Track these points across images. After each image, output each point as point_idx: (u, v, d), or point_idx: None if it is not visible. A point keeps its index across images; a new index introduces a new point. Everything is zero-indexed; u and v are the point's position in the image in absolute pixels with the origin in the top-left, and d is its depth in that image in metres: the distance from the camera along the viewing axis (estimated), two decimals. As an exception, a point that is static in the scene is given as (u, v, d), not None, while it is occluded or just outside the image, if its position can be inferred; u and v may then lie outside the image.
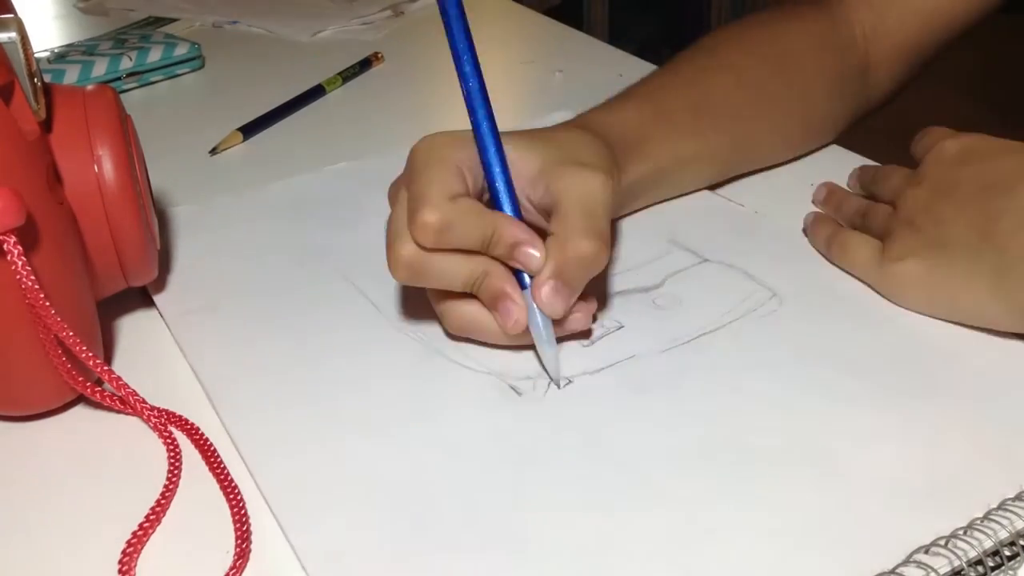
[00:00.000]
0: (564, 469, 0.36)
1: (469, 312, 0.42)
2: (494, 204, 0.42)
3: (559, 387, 0.41)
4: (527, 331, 0.41)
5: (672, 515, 0.34)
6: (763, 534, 0.33)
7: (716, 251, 0.49)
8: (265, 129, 0.67)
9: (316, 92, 0.72)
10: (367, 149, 0.64)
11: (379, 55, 0.78)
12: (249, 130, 0.66)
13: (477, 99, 0.41)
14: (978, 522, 0.32)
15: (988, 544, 0.32)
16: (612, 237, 0.43)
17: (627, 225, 0.52)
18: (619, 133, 0.48)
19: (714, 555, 0.32)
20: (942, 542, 0.32)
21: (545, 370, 0.41)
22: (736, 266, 0.48)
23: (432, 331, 0.44)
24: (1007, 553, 0.32)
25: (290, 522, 0.34)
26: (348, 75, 0.75)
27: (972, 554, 0.31)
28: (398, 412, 0.39)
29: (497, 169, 0.41)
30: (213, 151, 0.63)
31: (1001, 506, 0.33)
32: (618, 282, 0.47)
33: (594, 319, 0.44)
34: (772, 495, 0.35)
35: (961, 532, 0.32)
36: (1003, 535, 0.32)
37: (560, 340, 0.42)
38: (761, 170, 0.58)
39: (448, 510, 0.35)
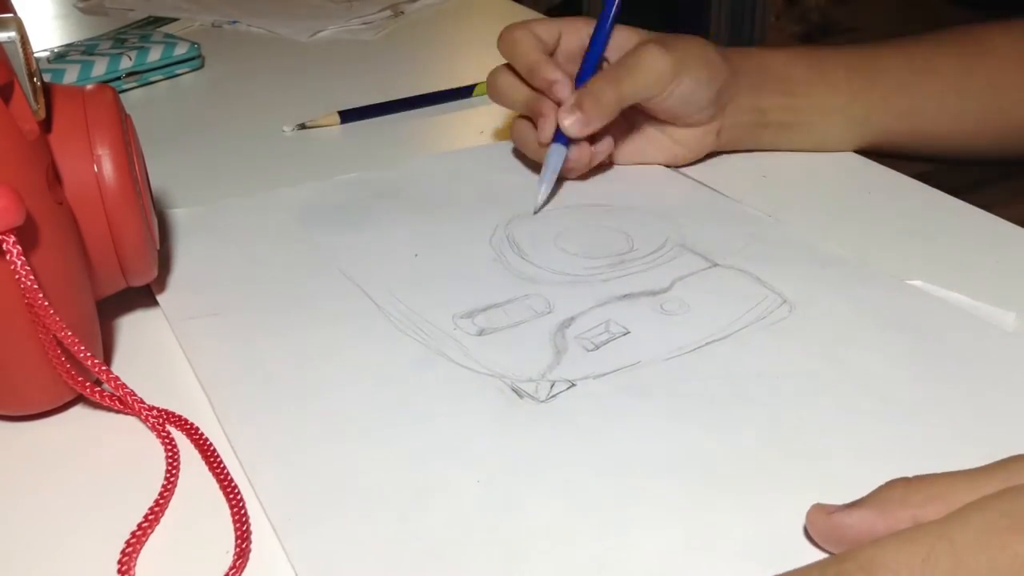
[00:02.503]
0: (564, 474, 0.36)
1: (522, 126, 0.56)
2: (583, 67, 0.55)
3: (534, 212, 0.53)
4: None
5: (672, 525, 0.34)
6: (765, 547, 0.33)
7: (726, 255, 0.49)
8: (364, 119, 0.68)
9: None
10: (365, 150, 0.64)
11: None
12: (348, 116, 0.67)
13: None
14: None
15: None
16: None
17: (637, 226, 0.52)
18: (757, 63, 0.56)
19: (713, 567, 0.32)
20: None
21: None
22: (747, 271, 0.48)
23: (435, 333, 0.44)
24: None
25: (285, 528, 0.34)
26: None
27: None
28: (399, 415, 0.39)
29: (599, 40, 0.55)
30: (302, 126, 0.66)
31: None
32: (626, 284, 0.47)
33: (609, 160, 0.58)
34: (774, 509, 0.34)
35: None
36: None
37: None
38: (774, 174, 0.58)
39: (445, 514, 0.34)
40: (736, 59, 0.55)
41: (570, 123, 0.52)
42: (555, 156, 0.54)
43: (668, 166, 0.58)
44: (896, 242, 0.51)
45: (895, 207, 0.54)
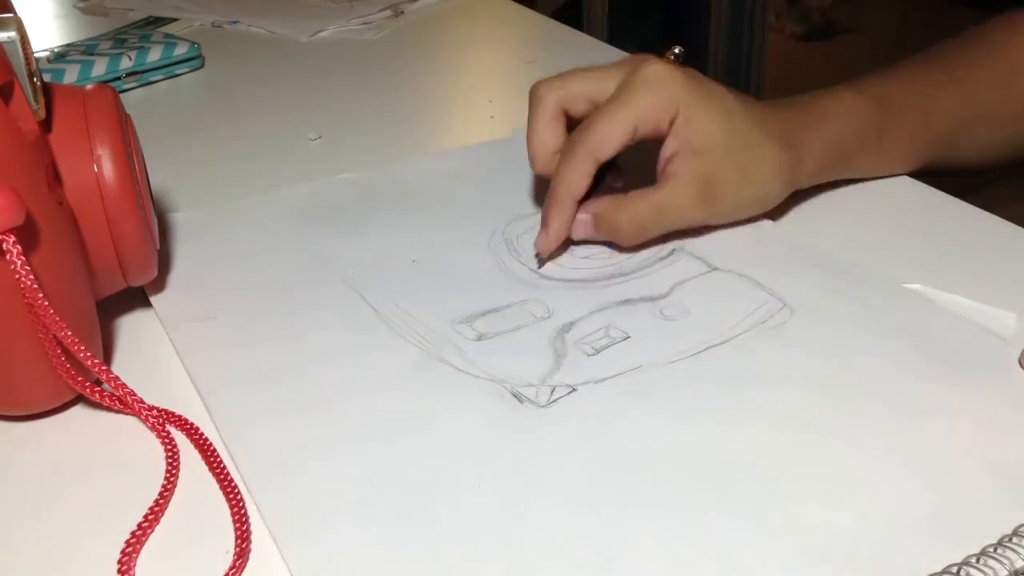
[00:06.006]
0: (564, 480, 0.36)
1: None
2: None
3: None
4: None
5: (672, 532, 0.33)
6: (766, 555, 0.32)
7: (726, 259, 0.49)
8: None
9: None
10: (366, 150, 0.64)
11: None
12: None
13: None
14: (991, 550, 0.31)
15: (1003, 574, 0.31)
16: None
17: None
18: (818, 137, 0.51)
19: (715, 573, 0.32)
20: (953, 569, 0.31)
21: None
22: (746, 275, 0.47)
23: (434, 338, 0.44)
24: None
25: (285, 535, 0.34)
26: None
27: None
28: (398, 420, 0.39)
29: None
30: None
31: (1016, 533, 0.32)
32: (625, 290, 0.47)
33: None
34: (776, 515, 0.34)
35: (973, 560, 0.31)
36: (1019, 564, 0.31)
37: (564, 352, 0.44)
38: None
39: (445, 520, 0.34)
40: (823, 121, 0.51)
41: (540, 244, 0.49)
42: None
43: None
44: (896, 242, 0.51)
45: (894, 206, 0.54)
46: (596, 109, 0.48)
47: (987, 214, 0.53)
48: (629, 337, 0.43)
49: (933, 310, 0.45)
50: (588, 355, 0.42)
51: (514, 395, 0.40)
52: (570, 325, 0.44)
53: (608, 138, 0.47)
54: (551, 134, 0.50)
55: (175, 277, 0.49)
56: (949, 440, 0.37)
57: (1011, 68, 0.57)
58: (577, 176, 0.47)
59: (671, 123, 0.48)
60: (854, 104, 0.52)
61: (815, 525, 0.33)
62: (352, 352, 0.43)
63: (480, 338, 0.44)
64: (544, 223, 0.48)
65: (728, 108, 0.48)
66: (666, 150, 0.48)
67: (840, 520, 0.34)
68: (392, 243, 0.51)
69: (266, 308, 0.46)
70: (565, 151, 0.48)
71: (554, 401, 0.40)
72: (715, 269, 0.48)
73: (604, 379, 0.41)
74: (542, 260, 0.49)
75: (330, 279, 0.48)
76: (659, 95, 0.47)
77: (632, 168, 0.52)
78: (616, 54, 0.78)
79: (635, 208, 0.48)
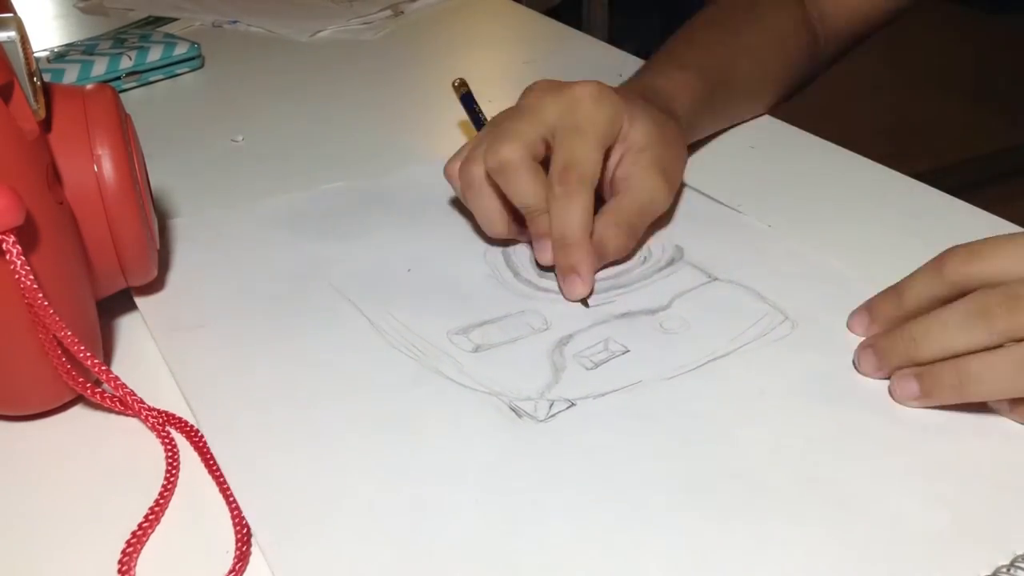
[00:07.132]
0: (562, 496, 0.35)
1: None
2: None
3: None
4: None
5: (672, 550, 0.33)
6: (765, 569, 0.32)
7: (726, 269, 0.48)
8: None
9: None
10: (365, 150, 0.64)
11: None
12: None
13: None
14: (1003, 570, 0.31)
15: None
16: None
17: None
18: (686, 106, 0.57)
19: None
20: None
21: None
22: (747, 286, 0.47)
23: (429, 349, 0.43)
24: None
25: (273, 549, 0.33)
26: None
27: None
28: (392, 432, 0.38)
29: None
30: None
31: None
32: (625, 303, 0.46)
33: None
34: (779, 534, 0.33)
35: None
36: None
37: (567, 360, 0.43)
38: (770, 176, 0.58)
39: (439, 536, 0.34)
40: (671, 109, 0.55)
41: (580, 293, 0.46)
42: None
43: None
44: (897, 245, 0.50)
45: (894, 207, 0.54)
46: (560, 143, 0.47)
47: (994, 217, 0.52)
48: (629, 351, 0.43)
49: None
50: (587, 369, 0.42)
51: (512, 409, 0.39)
52: (568, 338, 0.44)
53: (595, 163, 0.47)
54: (536, 184, 0.47)
55: (167, 284, 0.48)
56: (959, 457, 0.37)
57: (771, 27, 0.66)
58: (585, 214, 0.46)
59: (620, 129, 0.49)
60: (685, 79, 0.58)
61: (820, 543, 0.33)
62: (345, 363, 0.42)
63: (477, 349, 0.43)
64: (576, 271, 0.46)
65: (641, 103, 0.52)
66: (611, 160, 0.50)
67: (846, 538, 0.33)
68: (387, 251, 0.51)
69: (257, 317, 0.46)
70: (559, 194, 0.46)
71: (553, 416, 0.39)
72: (715, 279, 0.48)
73: (604, 394, 0.40)
74: (584, 302, 0.46)
75: (323, 288, 0.48)
76: (612, 108, 0.48)
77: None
78: (616, 54, 0.78)
79: (626, 219, 0.49)
